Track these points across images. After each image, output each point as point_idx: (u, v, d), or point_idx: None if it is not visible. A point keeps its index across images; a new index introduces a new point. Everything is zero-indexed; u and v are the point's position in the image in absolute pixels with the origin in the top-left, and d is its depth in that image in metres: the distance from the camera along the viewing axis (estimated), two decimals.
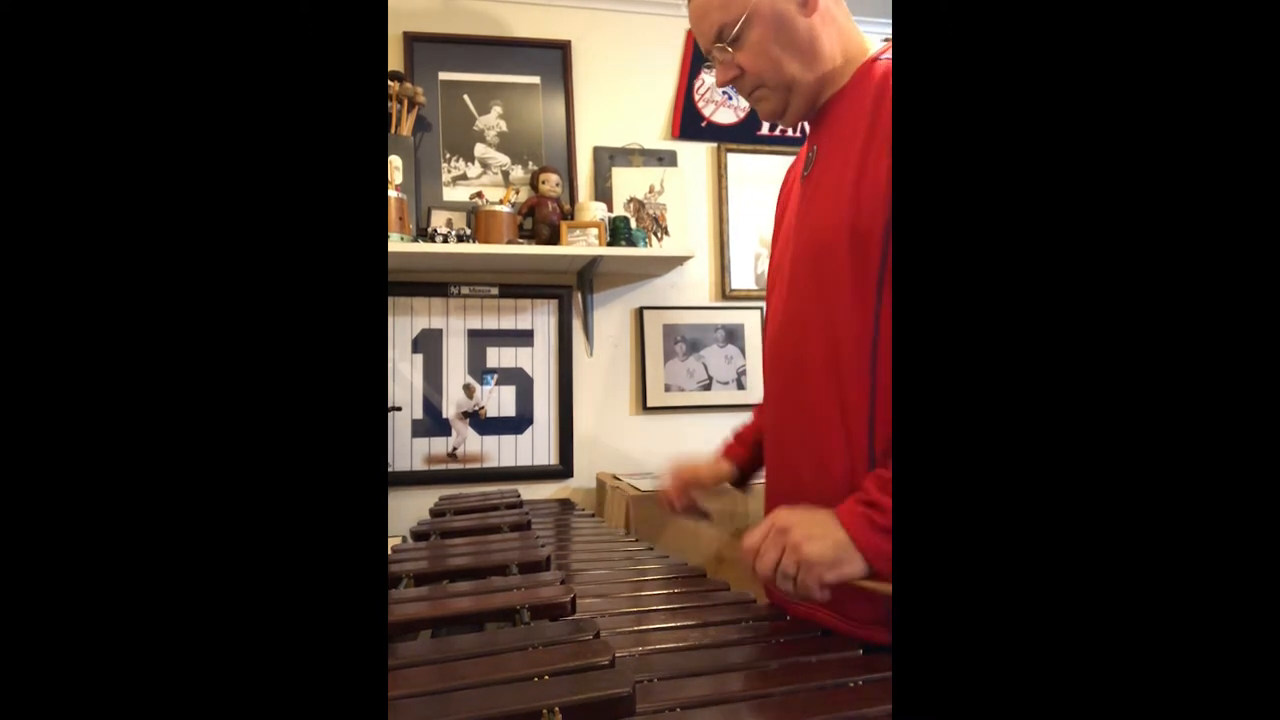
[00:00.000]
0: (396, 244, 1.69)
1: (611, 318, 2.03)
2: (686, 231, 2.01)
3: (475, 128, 1.97)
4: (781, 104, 0.85)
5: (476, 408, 1.93)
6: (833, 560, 0.68)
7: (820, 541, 0.69)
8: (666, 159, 2.05)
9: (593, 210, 1.86)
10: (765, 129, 2.10)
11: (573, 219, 1.87)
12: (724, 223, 2.09)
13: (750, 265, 2.10)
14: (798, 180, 0.91)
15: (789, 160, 1.06)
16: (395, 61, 1.93)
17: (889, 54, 0.78)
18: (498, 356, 1.95)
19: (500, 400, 1.94)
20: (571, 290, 1.99)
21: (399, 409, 1.87)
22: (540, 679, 0.50)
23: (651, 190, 2.00)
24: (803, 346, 0.81)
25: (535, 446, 1.95)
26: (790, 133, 2.09)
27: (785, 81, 0.83)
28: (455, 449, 1.91)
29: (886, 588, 0.67)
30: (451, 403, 1.91)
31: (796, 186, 0.91)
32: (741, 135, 2.11)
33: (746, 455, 1.04)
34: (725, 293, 2.09)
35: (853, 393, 0.75)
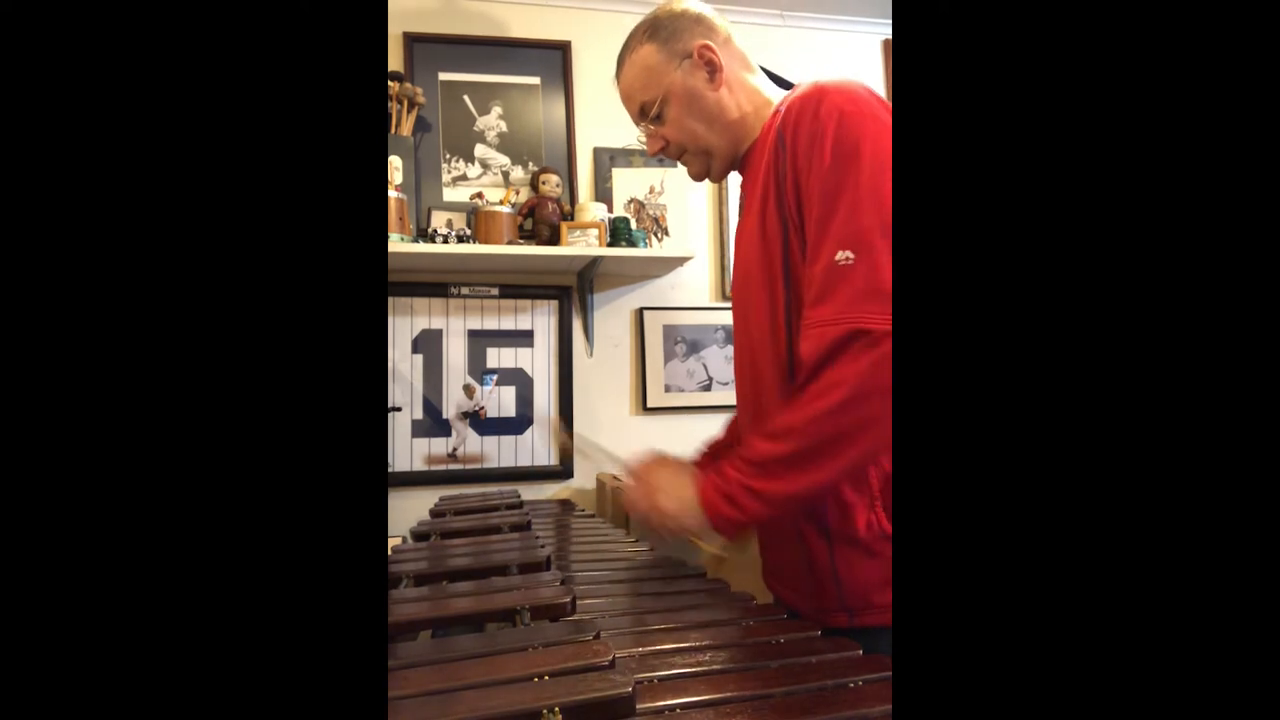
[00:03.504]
0: (396, 244, 1.69)
1: (611, 318, 2.03)
2: (686, 232, 2.01)
3: (475, 128, 1.97)
4: (704, 166, 0.98)
5: (476, 408, 1.93)
6: (676, 513, 0.85)
7: (670, 495, 0.86)
8: (667, 160, 2.05)
9: (593, 211, 1.86)
10: None
11: (573, 219, 1.87)
12: (724, 223, 2.09)
13: None
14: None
15: None
16: (395, 61, 1.93)
17: (783, 104, 0.88)
18: (498, 357, 1.95)
19: (500, 400, 1.94)
20: (571, 291, 1.99)
21: (399, 409, 1.87)
22: (540, 679, 0.50)
23: (652, 191, 2.00)
24: (743, 369, 0.96)
25: (535, 447, 1.95)
26: None
27: (703, 147, 0.96)
28: (455, 449, 1.91)
29: (710, 548, 0.92)
30: (451, 403, 1.91)
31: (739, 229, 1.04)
32: None
33: (706, 460, 1.13)
34: (725, 293, 2.09)
35: (772, 407, 0.86)
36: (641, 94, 0.95)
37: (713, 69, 0.92)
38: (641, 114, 0.96)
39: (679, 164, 1.00)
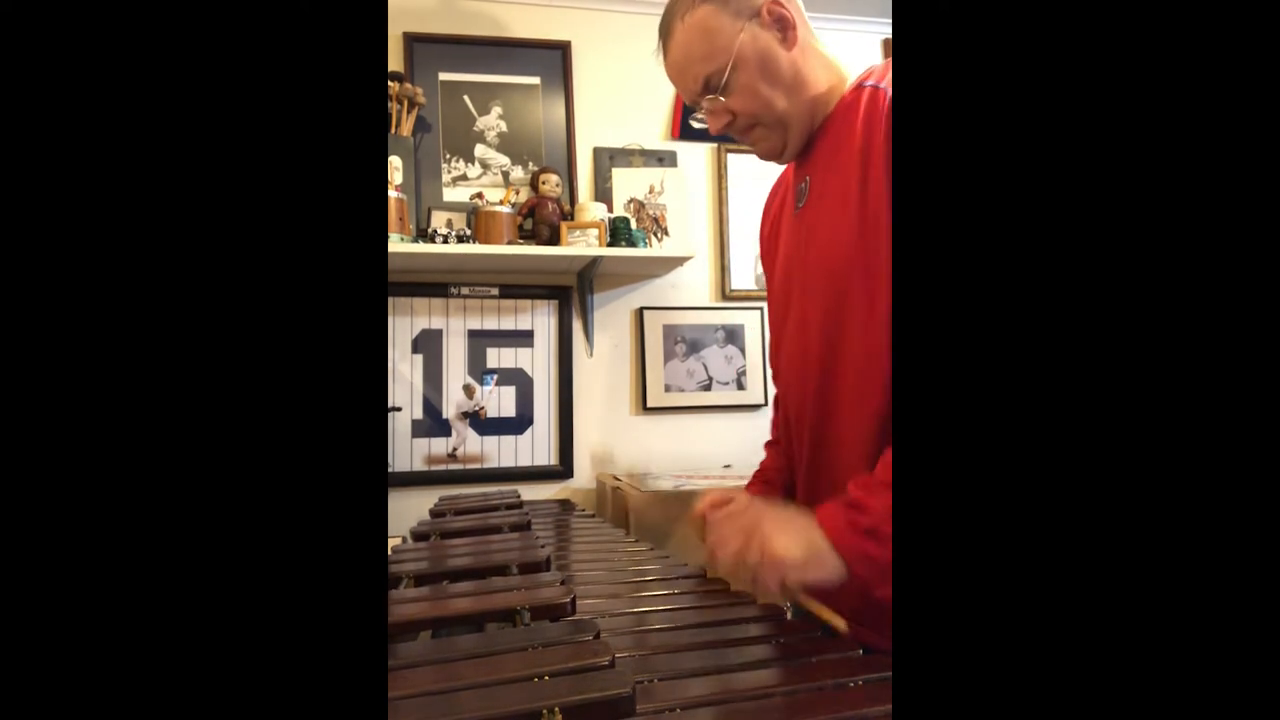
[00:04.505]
0: (396, 244, 1.69)
1: (611, 318, 2.03)
2: (686, 232, 2.01)
3: (475, 128, 1.97)
4: (780, 140, 0.85)
5: (476, 408, 1.93)
6: (802, 561, 0.64)
7: (792, 538, 0.65)
8: (666, 159, 2.05)
9: (593, 210, 1.86)
10: None
11: (573, 219, 1.87)
12: (724, 223, 2.09)
13: (750, 266, 2.10)
14: (788, 214, 0.90)
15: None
16: (395, 61, 1.93)
17: (873, 80, 0.78)
18: (498, 357, 1.95)
19: (500, 400, 1.94)
20: (571, 290, 1.99)
21: (399, 409, 1.87)
22: (540, 679, 0.50)
23: (651, 190, 2.00)
24: (827, 387, 0.80)
25: (535, 447, 1.95)
26: None
27: (779, 117, 0.83)
28: (455, 449, 1.91)
29: (839, 622, 0.64)
30: (451, 403, 1.91)
31: (788, 220, 0.90)
32: None
33: (770, 495, 0.97)
34: (725, 293, 2.09)
35: (878, 427, 0.74)
36: (704, 63, 0.81)
37: (784, 26, 0.80)
38: (705, 87, 0.82)
39: (748, 142, 0.87)
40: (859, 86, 0.81)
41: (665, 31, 0.85)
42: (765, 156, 0.88)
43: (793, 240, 0.88)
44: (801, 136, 0.85)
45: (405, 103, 1.84)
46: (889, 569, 0.61)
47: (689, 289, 2.08)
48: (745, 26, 0.80)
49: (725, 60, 0.80)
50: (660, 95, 2.07)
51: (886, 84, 0.77)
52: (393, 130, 1.83)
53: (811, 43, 0.84)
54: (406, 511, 1.71)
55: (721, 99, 0.82)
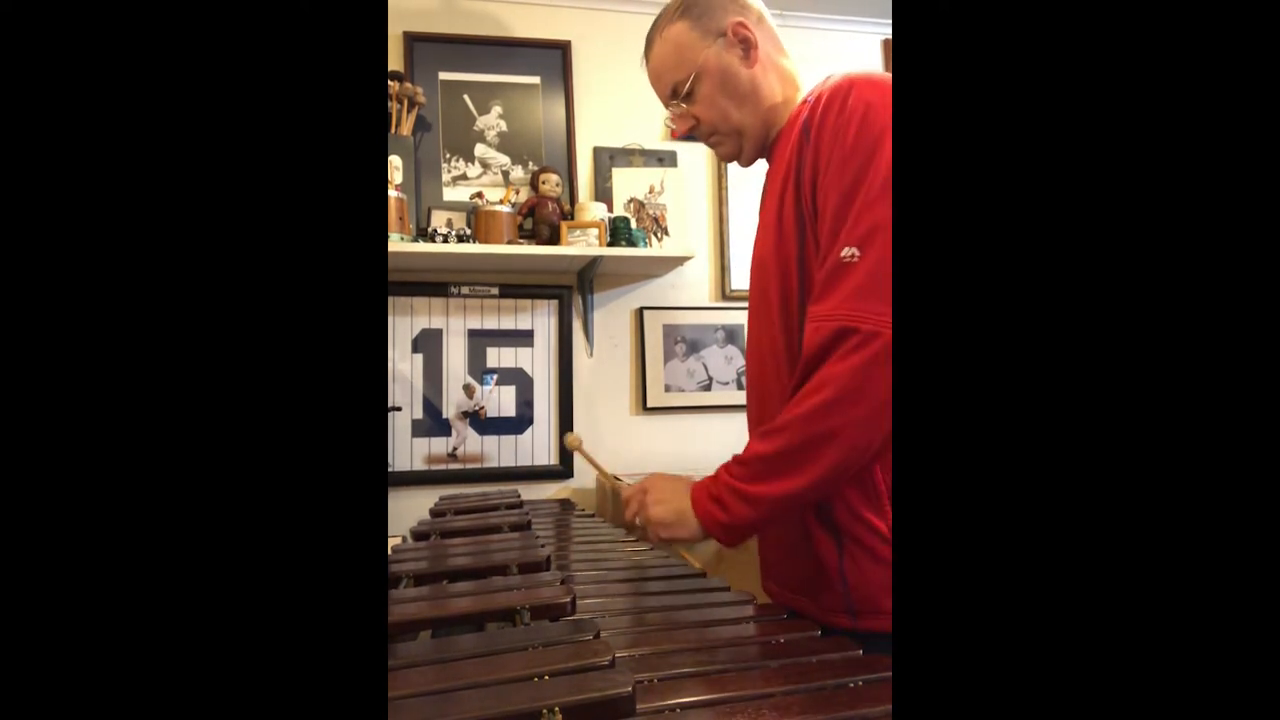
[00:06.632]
0: (396, 244, 1.69)
1: (611, 318, 2.03)
2: (686, 231, 2.01)
3: (475, 128, 1.97)
4: (735, 147, 0.96)
5: (476, 408, 1.93)
6: (670, 523, 0.86)
7: (664, 506, 0.87)
8: (666, 159, 2.05)
9: (593, 210, 1.86)
10: None
11: (573, 219, 1.87)
12: (724, 223, 2.09)
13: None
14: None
15: None
16: (395, 61, 1.93)
17: (814, 95, 0.87)
18: (498, 356, 1.95)
19: (500, 400, 1.94)
20: (571, 290, 1.99)
21: (399, 409, 1.87)
22: (540, 679, 0.50)
23: (651, 190, 2.00)
24: (751, 364, 0.96)
25: (535, 446, 1.95)
26: None
27: (735, 127, 0.94)
28: (455, 449, 1.91)
29: (696, 562, 0.91)
30: (451, 403, 1.91)
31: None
32: None
33: None
34: (725, 293, 2.09)
35: (775, 404, 0.85)
36: (673, 73, 0.93)
37: (747, 46, 0.91)
38: (673, 94, 0.94)
39: (709, 145, 0.98)
40: (804, 101, 0.89)
41: (649, 41, 0.97)
42: (724, 159, 1.00)
43: (755, 239, 1.01)
44: (755, 144, 0.95)
45: (405, 102, 1.84)
46: (731, 527, 0.81)
47: (689, 289, 2.08)
48: (712, 44, 0.91)
49: (690, 71, 0.92)
50: None
51: (813, 95, 0.85)
52: (393, 130, 1.83)
53: (775, 58, 0.94)
54: (406, 511, 1.71)
55: (684, 105, 0.94)
